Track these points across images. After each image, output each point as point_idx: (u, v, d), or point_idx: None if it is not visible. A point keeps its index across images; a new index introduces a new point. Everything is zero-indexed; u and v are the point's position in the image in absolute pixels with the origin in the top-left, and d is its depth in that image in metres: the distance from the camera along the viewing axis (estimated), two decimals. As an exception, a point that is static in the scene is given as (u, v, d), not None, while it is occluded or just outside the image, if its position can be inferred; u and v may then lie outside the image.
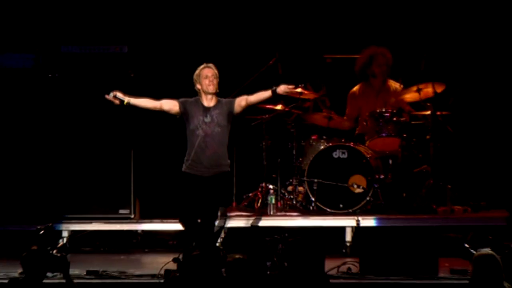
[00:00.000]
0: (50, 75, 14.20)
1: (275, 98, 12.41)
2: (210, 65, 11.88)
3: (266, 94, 12.02)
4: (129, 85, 13.48)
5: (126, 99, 12.03)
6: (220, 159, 12.05)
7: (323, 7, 15.61)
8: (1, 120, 14.27)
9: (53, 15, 15.05)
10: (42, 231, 11.56)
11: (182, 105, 12.01)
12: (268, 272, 10.67)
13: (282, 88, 11.91)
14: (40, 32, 14.76)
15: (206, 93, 11.85)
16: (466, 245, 11.72)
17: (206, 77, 11.82)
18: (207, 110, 11.93)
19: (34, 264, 8.93)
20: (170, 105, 12.05)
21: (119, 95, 11.98)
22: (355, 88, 14.61)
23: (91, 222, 13.49)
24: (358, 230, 12.71)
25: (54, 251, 10.60)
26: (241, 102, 11.99)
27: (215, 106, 11.93)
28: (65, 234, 13.66)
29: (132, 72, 13.85)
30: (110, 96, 11.99)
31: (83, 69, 14.14)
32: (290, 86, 12.07)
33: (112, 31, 14.46)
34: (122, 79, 13.82)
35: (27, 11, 15.26)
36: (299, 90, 13.47)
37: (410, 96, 13.93)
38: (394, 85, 14.40)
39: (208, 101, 11.89)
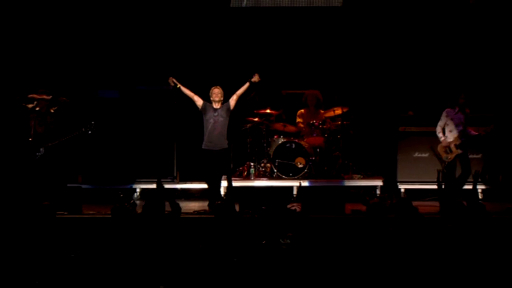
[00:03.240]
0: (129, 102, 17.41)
1: (252, 86, 15.34)
2: (218, 87, 15.21)
3: (246, 85, 15.21)
4: (172, 108, 17.37)
5: (178, 85, 15.26)
6: (222, 138, 15.21)
7: (283, 64, 18.35)
8: (107, 124, 16.86)
9: (131, 68, 18.01)
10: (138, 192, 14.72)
11: (204, 104, 15.15)
12: (250, 214, 13.53)
13: (255, 79, 15.17)
14: (123, 78, 17.94)
15: (214, 101, 15.14)
16: (366, 197, 15.30)
17: (214, 93, 15.19)
18: (215, 110, 15.12)
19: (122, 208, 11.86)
20: (199, 100, 15.21)
21: (174, 80, 15.28)
22: (301, 110, 17.91)
23: (151, 183, 16.11)
24: (300, 188, 15.71)
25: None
26: (232, 98, 15.18)
27: (220, 108, 15.14)
28: (137, 190, 17.12)
29: (175, 101, 17.00)
30: (170, 80, 15.28)
31: (147, 98, 17.47)
32: (257, 76, 15.12)
33: (163, 77, 16.31)
34: (169, 105, 17.35)
35: (115, 64, 18.15)
36: (268, 111, 17.32)
37: (329, 114, 17.63)
38: (319, 109, 17.71)
39: (216, 105, 15.12)
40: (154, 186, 14.95)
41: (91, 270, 10.32)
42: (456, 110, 15.56)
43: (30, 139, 15.11)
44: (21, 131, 15.37)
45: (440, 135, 15.80)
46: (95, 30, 18.08)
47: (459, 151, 15.63)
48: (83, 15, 17.92)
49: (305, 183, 16.65)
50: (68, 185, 15.97)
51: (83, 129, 15.25)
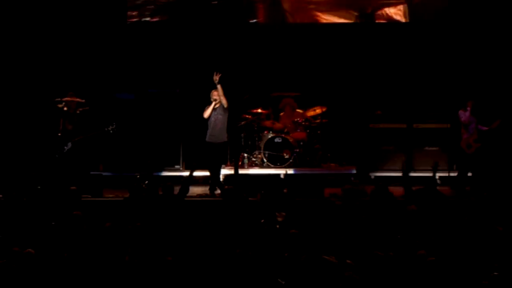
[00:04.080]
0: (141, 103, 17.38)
1: (223, 85, 14.98)
2: (215, 90, 15.00)
3: (219, 87, 14.92)
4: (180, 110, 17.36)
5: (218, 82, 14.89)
6: (222, 132, 15.19)
7: (272, 72, 17.98)
8: (123, 121, 16.36)
9: (144, 74, 17.90)
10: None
11: (207, 106, 15.08)
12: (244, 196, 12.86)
13: (215, 77, 14.83)
14: (137, 82, 17.74)
15: (214, 101, 15.08)
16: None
17: (213, 95, 15.08)
18: (215, 109, 15.06)
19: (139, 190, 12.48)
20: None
21: (217, 78, 14.87)
22: (281, 113, 17.72)
23: (163, 171, 16.86)
24: (286, 175, 15.93)
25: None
26: (222, 100, 14.97)
27: (219, 107, 15.05)
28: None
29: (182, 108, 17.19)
30: (217, 76, 14.84)
31: (158, 99, 17.42)
32: (216, 75, 14.81)
33: (173, 81, 17.51)
34: (176, 107, 17.35)
35: (130, 71, 18.00)
36: (259, 110, 17.32)
37: (310, 113, 17.48)
38: (299, 110, 17.52)
39: (215, 105, 15.04)
40: (163, 173, 16.60)
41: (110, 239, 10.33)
42: (468, 111, 15.51)
43: (59, 134, 15.18)
44: (53, 128, 15.44)
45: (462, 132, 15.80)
46: (114, 44, 18.16)
47: (478, 145, 15.61)
48: (107, 33, 18.09)
49: (290, 171, 16.63)
50: (91, 172, 15.92)
51: (106, 129, 15.37)
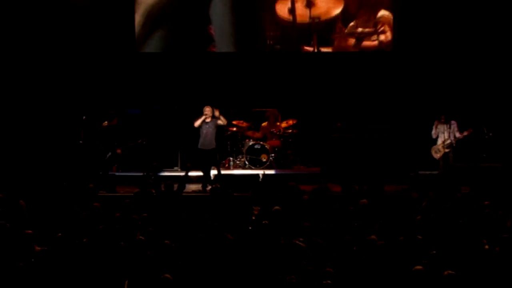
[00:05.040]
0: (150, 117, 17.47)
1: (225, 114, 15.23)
2: (208, 106, 15.04)
3: (222, 118, 15.12)
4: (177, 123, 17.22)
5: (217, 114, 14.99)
6: (211, 141, 15.13)
7: (253, 91, 17.84)
8: (132, 131, 16.45)
9: (149, 93, 17.84)
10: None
11: (198, 117, 15.04)
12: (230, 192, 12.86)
13: (216, 114, 15.00)
14: (144, 100, 17.80)
15: (205, 115, 14.99)
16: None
17: (205, 111, 15.03)
18: (207, 123, 15.00)
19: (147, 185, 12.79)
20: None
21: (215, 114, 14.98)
22: (264, 123, 17.57)
23: (165, 171, 16.53)
24: (264, 175, 15.20)
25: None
26: (220, 119, 15.09)
27: (211, 121, 14.99)
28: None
29: (176, 106, 17.32)
30: (216, 112, 14.99)
31: (160, 114, 17.53)
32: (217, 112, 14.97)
33: (172, 100, 17.57)
34: (174, 120, 17.38)
35: (138, 92, 17.92)
36: (242, 122, 17.19)
37: (284, 124, 17.30)
38: (276, 122, 17.36)
39: (207, 119, 14.98)
40: (164, 173, 16.24)
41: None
42: (442, 121, 15.31)
43: (102, 147, 15.22)
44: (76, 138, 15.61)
45: (439, 140, 15.49)
46: (127, 69, 18.04)
47: (446, 150, 15.36)
48: (120, 60, 17.95)
49: (267, 172, 16.34)
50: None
51: (139, 141, 15.65)
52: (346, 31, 17.74)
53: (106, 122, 15.11)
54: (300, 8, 17.74)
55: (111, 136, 15.15)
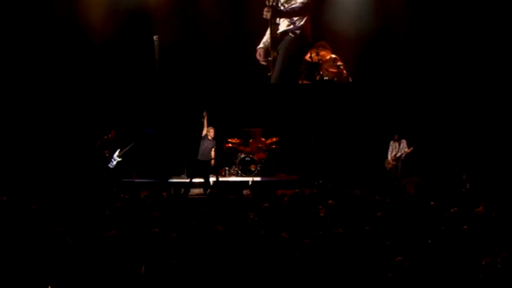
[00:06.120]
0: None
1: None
2: (212, 127, 14.88)
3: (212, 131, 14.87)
4: (183, 140, 16.64)
5: (205, 117, 14.77)
6: (209, 154, 14.97)
7: (244, 114, 17.46)
8: (148, 147, 16.29)
9: (161, 116, 17.25)
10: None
11: (205, 135, 14.90)
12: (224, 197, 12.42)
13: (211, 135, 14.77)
14: (157, 121, 17.11)
15: (208, 132, 14.95)
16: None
17: (210, 131, 14.99)
18: (208, 140, 14.86)
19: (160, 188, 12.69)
20: (204, 131, 14.89)
21: (205, 114, 14.75)
22: (251, 140, 17.21)
23: (173, 179, 16.18)
24: (253, 182, 15.48)
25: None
26: (210, 134, 14.85)
27: (211, 140, 14.87)
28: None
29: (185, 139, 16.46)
30: (205, 113, 14.78)
31: (170, 133, 16.96)
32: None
33: (180, 121, 16.81)
34: (181, 138, 16.79)
35: (153, 115, 17.25)
36: (235, 139, 16.90)
37: (269, 141, 17.00)
38: (262, 138, 17.02)
39: (209, 137, 14.87)
40: (173, 180, 15.93)
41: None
42: (395, 139, 15.41)
43: (107, 155, 15.19)
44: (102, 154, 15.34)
45: (388, 154, 15.58)
46: (145, 95, 17.73)
47: (394, 163, 15.42)
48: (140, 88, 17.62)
49: (255, 179, 16.35)
50: (127, 180, 15.75)
51: (136, 141, 15.46)
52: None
53: (105, 136, 15.09)
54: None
55: (112, 146, 15.00)
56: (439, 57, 16.75)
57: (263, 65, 17.34)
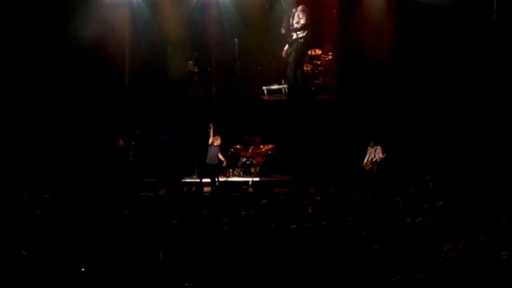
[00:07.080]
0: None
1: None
2: (219, 136, 14.64)
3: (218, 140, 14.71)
4: (195, 147, 16.14)
5: (211, 128, 14.59)
6: (215, 158, 14.78)
7: (245, 124, 17.03)
8: (166, 153, 16.13)
9: (177, 125, 16.89)
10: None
11: (212, 142, 14.72)
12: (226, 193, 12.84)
13: (218, 142, 14.60)
14: (173, 130, 16.81)
15: (215, 140, 14.68)
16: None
17: (217, 139, 14.70)
18: (215, 147, 14.67)
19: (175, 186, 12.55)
20: (211, 139, 14.67)
21: (211, 126, 14.57)
22: (251, 146, 16.87)
23: (186, 178, 15.90)
24: (253, 182, 15.20)
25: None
26: (216, 142, 14.63)
27: (218, 146, 14.67)
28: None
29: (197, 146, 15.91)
30: (211, 125, 14.62)
31: (185, 141, 16.52)
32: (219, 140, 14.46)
33: (192, 130, 16.39)
34: (193, 145, 16.29)
35: (170, 125, 16.89)
36: (238, 146, 16.66)
37: (266, 147, 16.74)
38: (260, 145, 16.67)
39: (216, 144, 14.68)
40: (186, 180, 15.57)
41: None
42: (371, 145, 15.14)
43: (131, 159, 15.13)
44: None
45: (365, 158, 15.35)
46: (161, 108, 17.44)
47: (371, 166, 15.22)
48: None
49: (255, 179, 16.08)
50: (147, 179, 15.57)
51: (135, 133, 15.13)
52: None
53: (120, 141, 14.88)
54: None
55: (124, 152, 14.83)
56: (405, 66, 16.22)
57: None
